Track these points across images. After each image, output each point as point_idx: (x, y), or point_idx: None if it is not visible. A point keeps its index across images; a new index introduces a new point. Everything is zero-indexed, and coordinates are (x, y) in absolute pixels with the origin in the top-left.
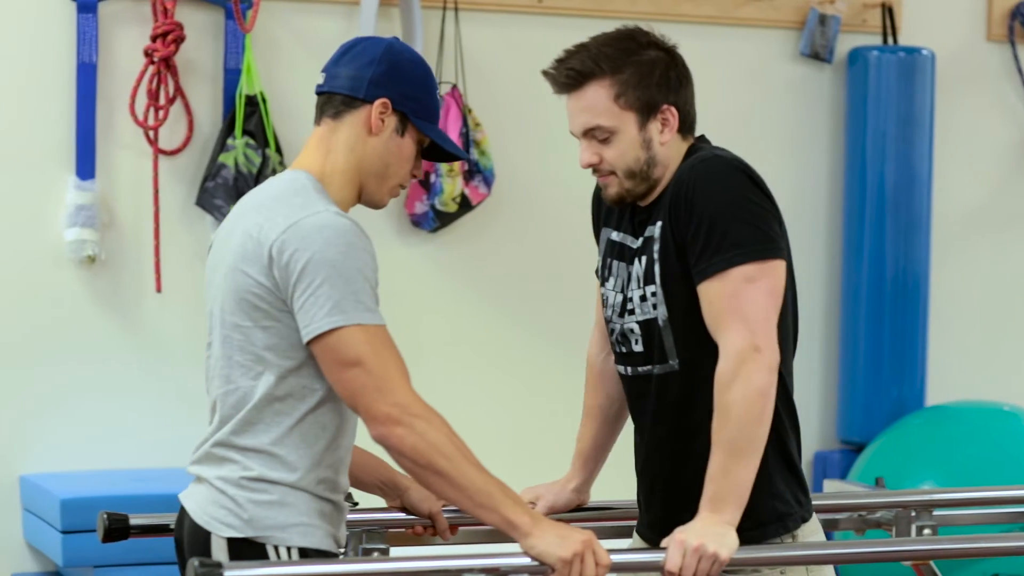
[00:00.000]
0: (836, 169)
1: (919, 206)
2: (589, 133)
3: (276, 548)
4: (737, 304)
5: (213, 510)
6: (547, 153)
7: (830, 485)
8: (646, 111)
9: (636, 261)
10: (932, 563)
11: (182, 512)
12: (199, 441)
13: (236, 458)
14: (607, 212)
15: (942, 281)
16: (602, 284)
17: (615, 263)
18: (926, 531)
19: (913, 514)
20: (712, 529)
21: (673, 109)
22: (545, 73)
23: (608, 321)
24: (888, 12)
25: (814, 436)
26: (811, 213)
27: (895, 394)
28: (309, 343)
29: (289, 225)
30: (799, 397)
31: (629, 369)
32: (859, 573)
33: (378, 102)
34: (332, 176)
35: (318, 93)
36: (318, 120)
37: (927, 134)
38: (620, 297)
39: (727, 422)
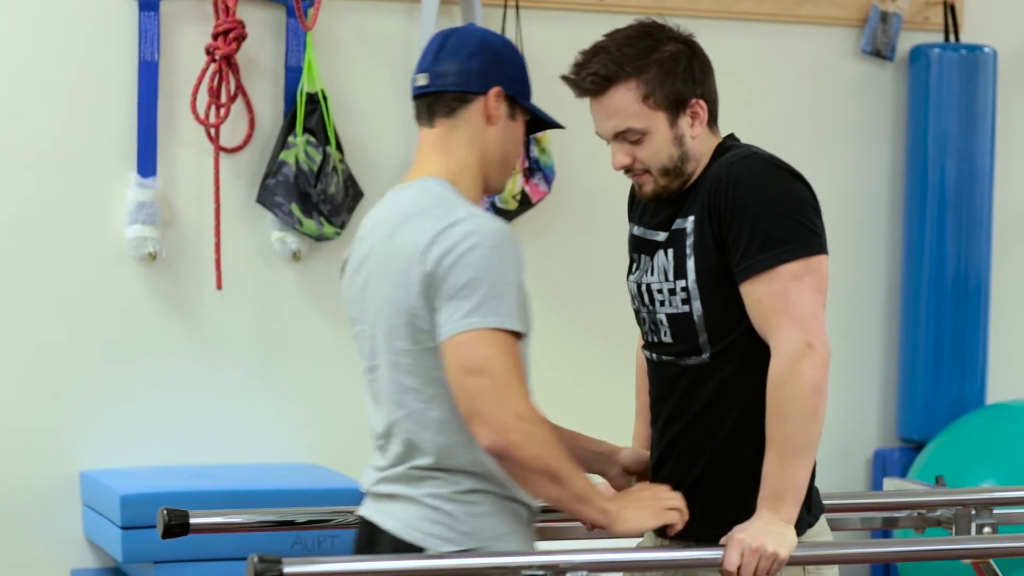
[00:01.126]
0: (897, 167)
1: (980, 204)
2: (620, 136)
3: None
4: (787, 302)
5: (427, 527)
6: (607, 151)
7: (890, 483)
8: (675, 107)
9: (662, 253)
10: (992, 561)
11: (370, 530)
12: (381, 462)
13: (442, 476)
14: (633, 208)
15: (1003, 279)
16: (628, 276)
17: (641, 256)
18: (986, 529)
19: (973, 512)
20: (771, 528)
21: (701, 102)
22: (566, 79)
23: (636, 312)
24: (950, 9)
25: (874, 434)
26: (872, 211)
27: (955, 392)
28: (439, 346)
29: (435, 236)
30: (860, 395)
31: (656, 356)
32: (919, 572)
33: (492, 92)
34: (462, 175)
35: (422, 95)
36: (429, 121)
37: (989, 132)
38: (645, 287)
39: (783, 420)
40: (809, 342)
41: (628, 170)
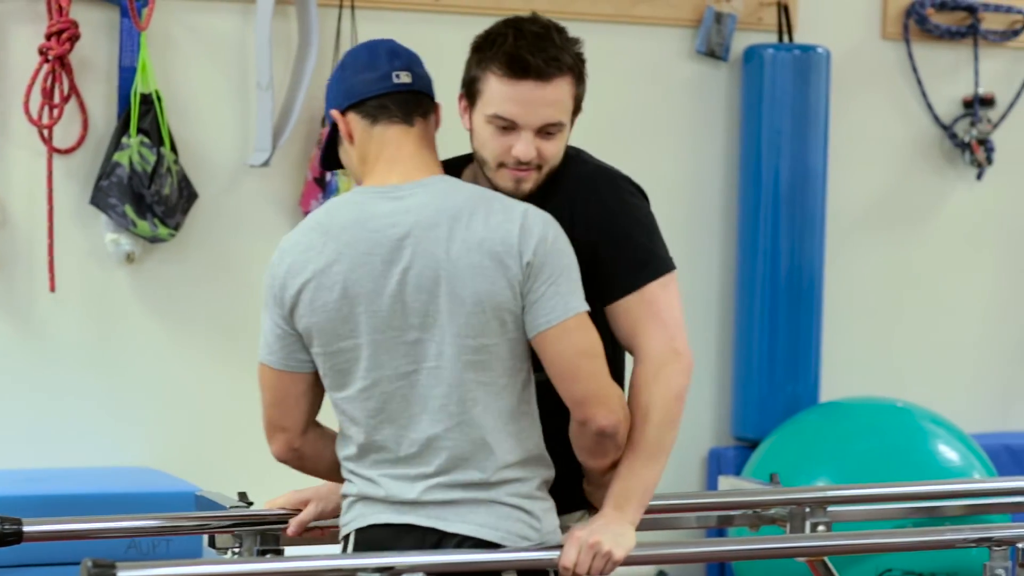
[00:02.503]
0: (731, 166)
1: (813, 203)
2: (544, 128)
3: None
4: (656, 310)
5: (509, 525)
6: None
7: (724, 482)
8: (577, 110)
9: None
10: (826, 559)
11: (420, 534)
12: (424, 469)
13: (519, 474)
14: None
15: (836, 278)
16: None
17: None
18: (820, 527)
19: (807, 510)
20: (611, 527)
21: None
22: (514, 55)
23: None
24: (784, 10)
25: (708, 432)
26: (707, 210)
27: (789, 391)
28: (544, 332)
29: (521, 226)
30: (694, 394)
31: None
32: (754, 570)
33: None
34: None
35: (405, 91)
36: (407, 119)
37: (822, 132)
38: None
39: (643, 423)
40: (676, 349)
41: (516, 163)
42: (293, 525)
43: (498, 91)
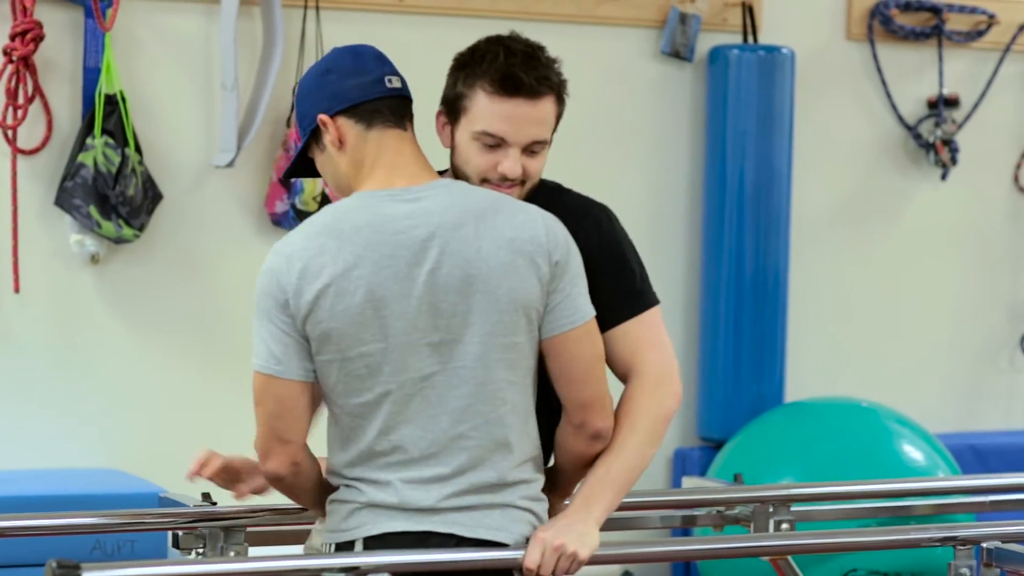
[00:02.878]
0: (696, 167)
1: (778, 204)
2: (530, 146)
3: None
4: (654, 335)
5: (519, 528)
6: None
7: (689, 482)
8: (556, 128)
9: None
10: (790, 558)
11: (439, 540)
12: (442, 470)
13: (529, 475)
14: None
15: (801, 278)
16: None
17: None
18: (784, 526)
19: (771, 509)
20: (575, 527)
21: None
22: (506, 74)
23: None
24: (748, 11)
25: (673, 433)
26: (671, 211)
27: (754, 391)
28: (567, 332)
29: (543, 226)
30: None
31: None
32: (719, 569)
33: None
34: None
35: (402, 96)
36: (400, 123)
37: (787, 132)
38: None
39: (631, 432)
40: (673, 374)
41: (502, 179)
42: (243, 492)
43: (487, 108)
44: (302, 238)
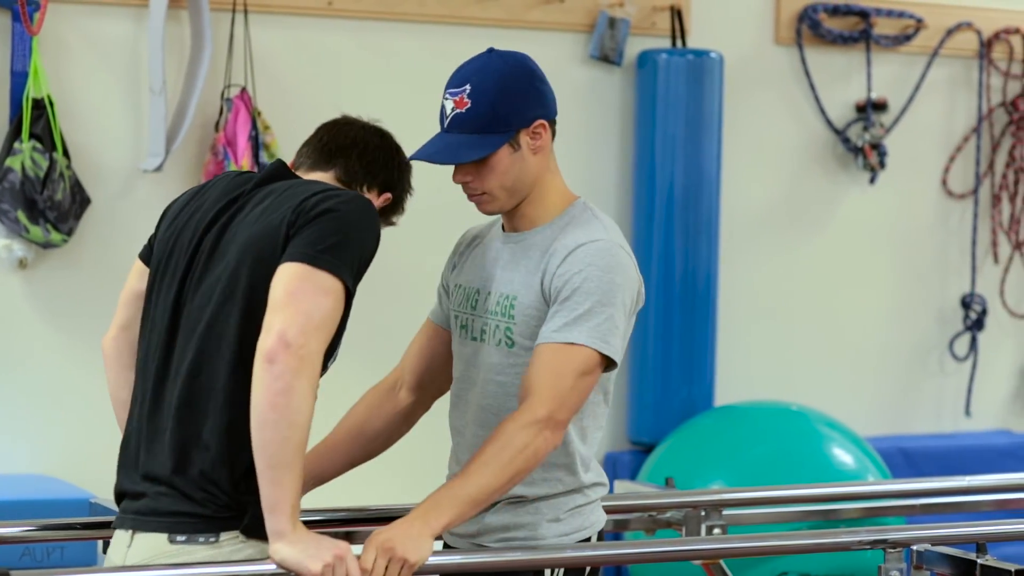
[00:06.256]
0: (625, 171)
1: (707, 207)
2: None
3: None
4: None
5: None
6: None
7: (620, 486)
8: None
9: None
10: (722, 562)
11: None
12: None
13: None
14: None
15: (731, 282)
16: None
17: None
18: (716, 530)
19: (703, 514)
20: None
21: None
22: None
23: None
24: (677, 15)
25: (605, 437)
26: None
27: (685, 395)
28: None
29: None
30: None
31: None
32: (650, 573)
33: None
34: None
35: None
36: None
37: (715, 136)
38: None
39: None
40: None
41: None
42: None
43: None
44: (623, 238)
